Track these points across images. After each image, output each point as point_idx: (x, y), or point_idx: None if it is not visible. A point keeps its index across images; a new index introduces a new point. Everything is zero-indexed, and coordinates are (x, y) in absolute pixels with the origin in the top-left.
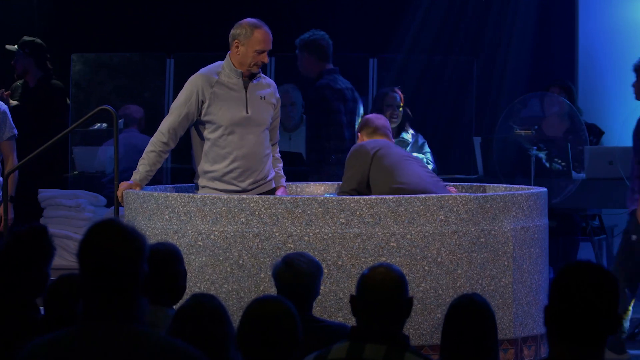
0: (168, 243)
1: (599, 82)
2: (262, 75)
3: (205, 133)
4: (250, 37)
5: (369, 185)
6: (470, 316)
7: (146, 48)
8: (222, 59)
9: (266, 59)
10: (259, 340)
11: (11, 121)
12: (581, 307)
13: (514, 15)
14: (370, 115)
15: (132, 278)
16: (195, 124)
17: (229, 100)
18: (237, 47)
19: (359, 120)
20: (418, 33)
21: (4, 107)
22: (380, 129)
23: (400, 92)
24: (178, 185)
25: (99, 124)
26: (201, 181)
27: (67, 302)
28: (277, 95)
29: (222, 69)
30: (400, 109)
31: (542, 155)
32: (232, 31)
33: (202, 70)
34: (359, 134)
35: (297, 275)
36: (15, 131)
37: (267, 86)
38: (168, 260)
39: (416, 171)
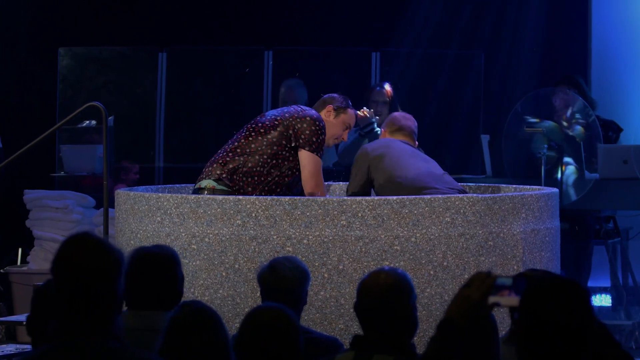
0: (165, 246)
1: (613, 78)
2: None
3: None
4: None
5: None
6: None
7: (138, 41)
8: (216, 53)
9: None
10: (258, 350)
11: None
12: (550, 326)
13: (524, 7)
14: (397, 114)
15: (107, 294)
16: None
17: None
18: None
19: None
20: (422, 26)
21: None
22: (404, 129)
23: (387, 88)
24: (170, 185)
25: (87, 121)
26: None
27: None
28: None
29: None
30: (387, 104)
31: (553, 154)
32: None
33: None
34: (382, 130)
35: (280, 280)
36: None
37: None
38: (164, 264)
39: (416, 165)
